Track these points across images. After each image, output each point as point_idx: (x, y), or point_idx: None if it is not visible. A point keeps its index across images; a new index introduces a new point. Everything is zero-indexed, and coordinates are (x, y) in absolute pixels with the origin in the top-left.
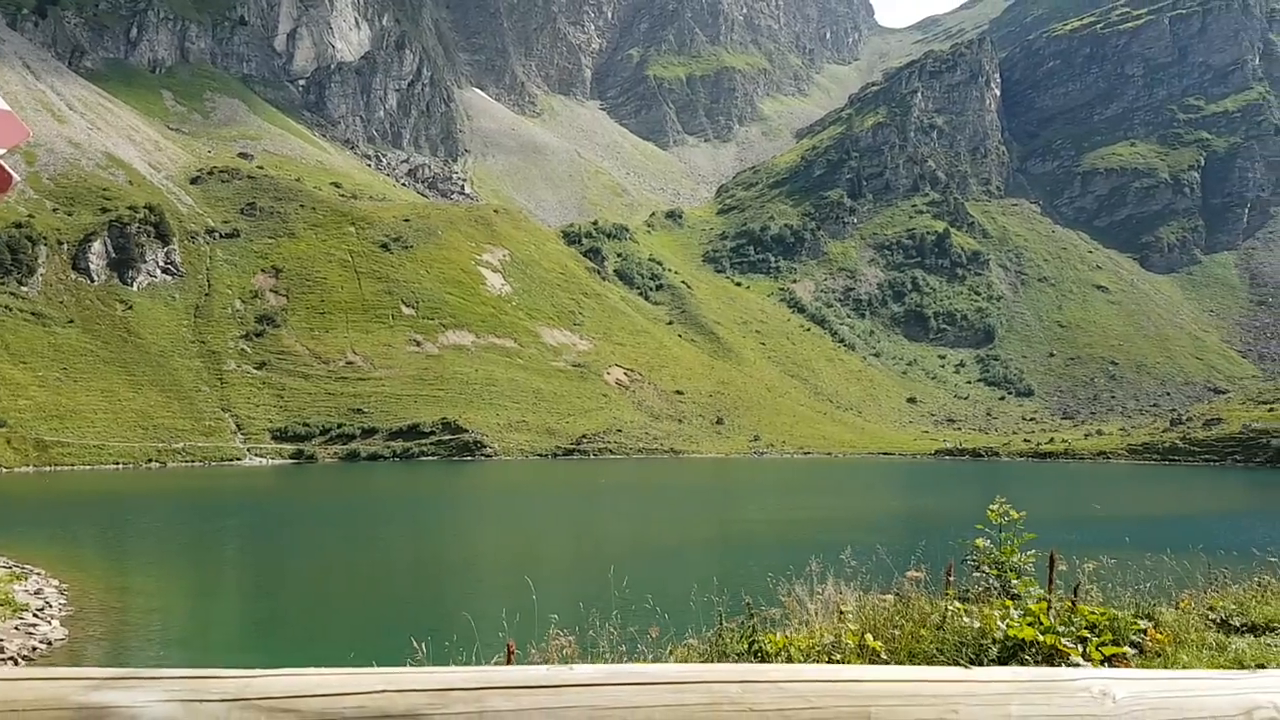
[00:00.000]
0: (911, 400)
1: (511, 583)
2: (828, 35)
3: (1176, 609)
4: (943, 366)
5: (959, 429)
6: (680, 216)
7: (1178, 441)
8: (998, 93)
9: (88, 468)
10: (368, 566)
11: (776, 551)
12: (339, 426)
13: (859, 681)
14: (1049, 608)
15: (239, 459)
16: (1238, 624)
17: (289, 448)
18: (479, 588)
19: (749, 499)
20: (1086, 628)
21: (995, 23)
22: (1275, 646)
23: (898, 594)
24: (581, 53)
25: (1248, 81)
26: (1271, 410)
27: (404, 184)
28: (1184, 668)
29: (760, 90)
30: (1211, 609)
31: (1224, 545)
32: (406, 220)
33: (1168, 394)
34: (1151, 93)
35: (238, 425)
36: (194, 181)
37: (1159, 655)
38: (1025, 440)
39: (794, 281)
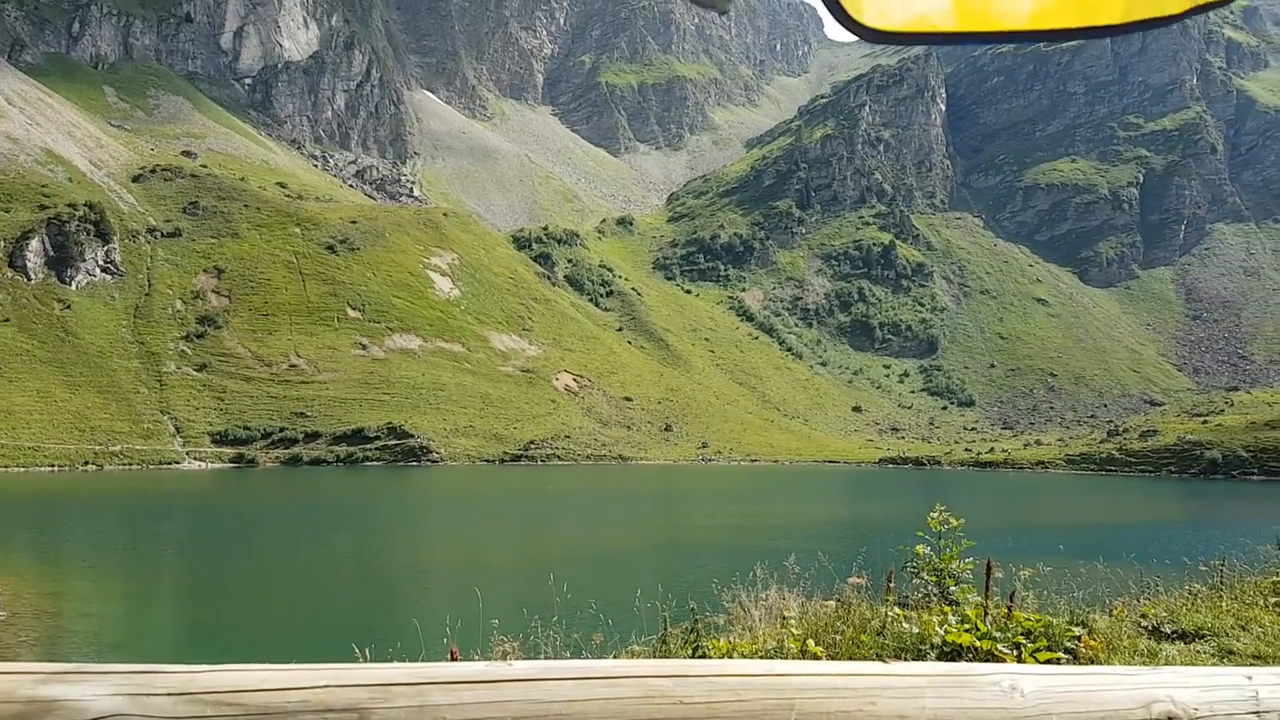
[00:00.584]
0: (857, 409)
1: (457, 589)
2: (778, 47)
3: (1110, 616)
4: (887, 376)
5: (903, 438)
6: (631, 223)
7: (1114, 452)
8: (943, 108)
9: (21, 470)
10: (310, 573)
11: (722, 558)
12: (281, 430)
13: (785, 675)
14: (986, 614)
15: (178, 462)
16: (1169, 631)
17: (229, 451)
18: (424, 594)
19: (696, 506)
20: (1022, 634)
21: None
22: (1204, 653)
23: (840, 600)
24: (533, 58)
25: (1185, 101)
26: (1205, 423)
27: (351, 185)
28: None
29: (711, 99)
30: (1144, 616)
31: (1156, 554)
32: (353, 222)
33: (1105, 406)
34: (1092, 110)
35: (177, 428)
36: (136, 179)
37: (1092, 662)
38: (966, 450)
39: (743, 290)
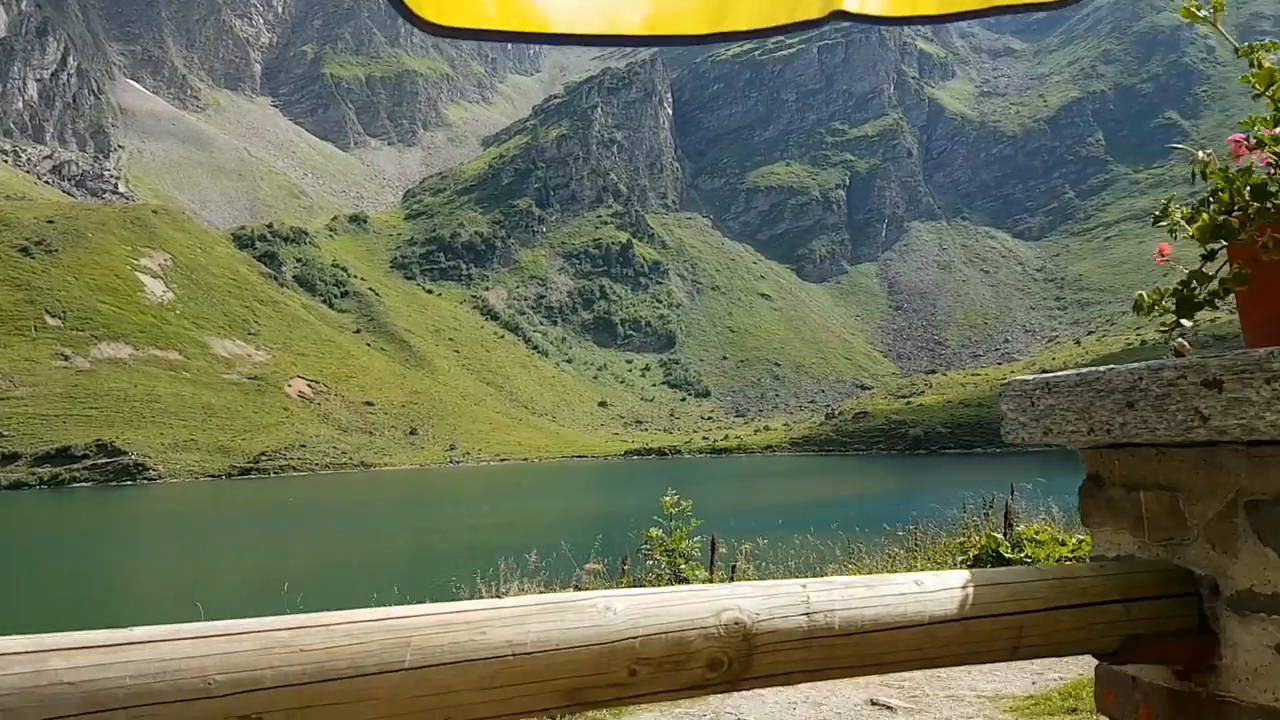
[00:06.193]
0: (603, 404)
1: (180, 613)
2: (508, 46)
3: None
4: (630, 371)
5: (646, 430)
6: (365, 221)
7: (831, 434)
8: (670, 112)
9: None
10: (11, 610)
11: (470, 558)
12: None
13: (401, 618)
14: None
15: None
16: None
17: None
18: (143, 621)
19: (446, 509)
20: None
21: None
22: None
23: (577, 586)
24: (250, 47)
25: (884, 108)
26: (909, 404)
27: (47, 182)
28: None
29: (444, 95)
30: None
31: (862, 524)
32: (50, 221)
33: (823, 391)
34: (804, 117)
35: None
36: None
37: None
38: (704, 438)
39: (486, 289)
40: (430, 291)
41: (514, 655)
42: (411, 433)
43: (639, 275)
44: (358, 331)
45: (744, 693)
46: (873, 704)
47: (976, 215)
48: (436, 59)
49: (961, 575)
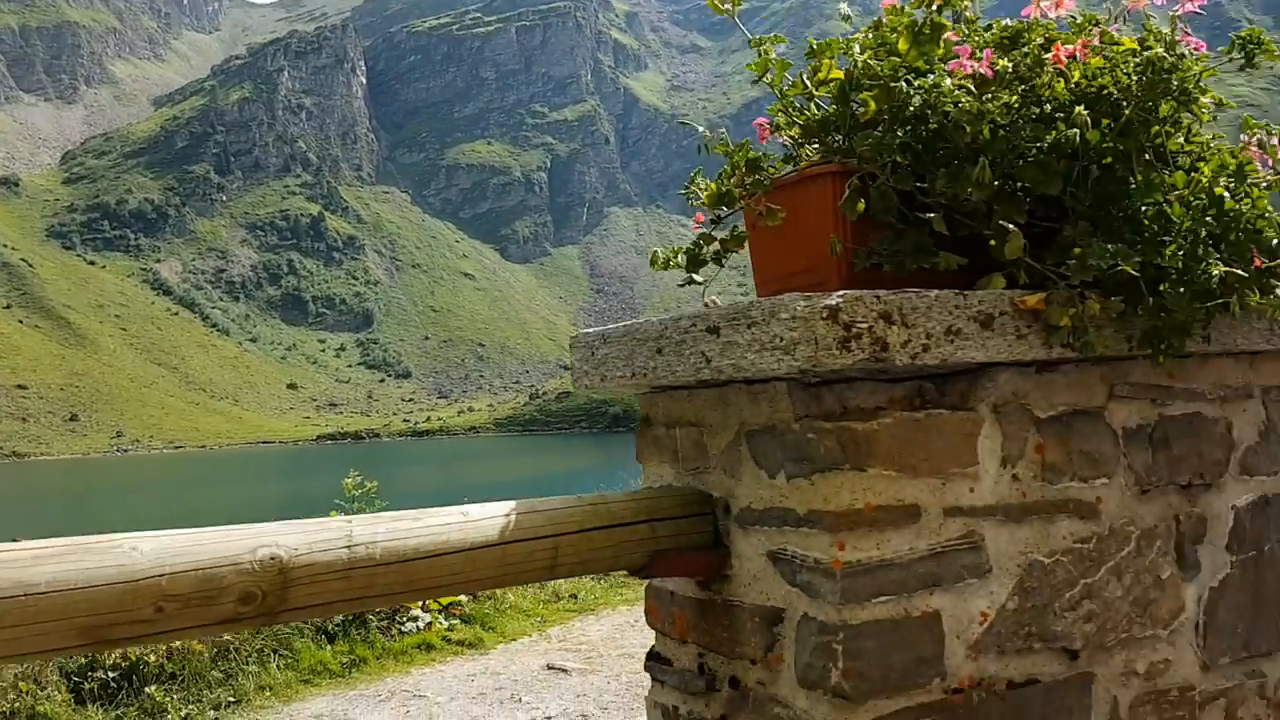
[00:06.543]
0: (292, 386)
1: None
2: (185, 1)
3: None
4: (324, 351)
5: (341, 413)
6: (16, 184)
7: (535, 414)
8: (364, 80)
9: None
10: None
11: None
12: None
13: None
14: None
15: None
16: None
17: None
18: None
19: (114, 502)
20: None
21: (358, 11)
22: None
23: None
24: None
25: (582, 95)
26: None
27: None
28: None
29: (110, 50)
30: None
31: None
32: None
33: (527, 371)
34: (504, 96)
35: None
36: None
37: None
38: (405, 420)
39: (158, 261)
40: (93, 263)
41: (26, 595)
42: (71, 419)
43: (332, 250)
44: (8, 307)
45: (422, 669)
46: (549, 668)
47: (670, 204)
48: (102, 10)
49: (507, 505)
